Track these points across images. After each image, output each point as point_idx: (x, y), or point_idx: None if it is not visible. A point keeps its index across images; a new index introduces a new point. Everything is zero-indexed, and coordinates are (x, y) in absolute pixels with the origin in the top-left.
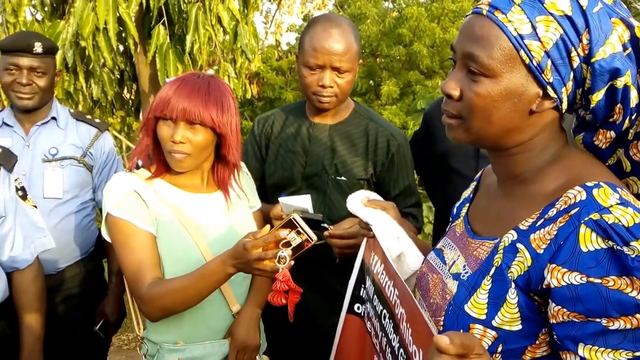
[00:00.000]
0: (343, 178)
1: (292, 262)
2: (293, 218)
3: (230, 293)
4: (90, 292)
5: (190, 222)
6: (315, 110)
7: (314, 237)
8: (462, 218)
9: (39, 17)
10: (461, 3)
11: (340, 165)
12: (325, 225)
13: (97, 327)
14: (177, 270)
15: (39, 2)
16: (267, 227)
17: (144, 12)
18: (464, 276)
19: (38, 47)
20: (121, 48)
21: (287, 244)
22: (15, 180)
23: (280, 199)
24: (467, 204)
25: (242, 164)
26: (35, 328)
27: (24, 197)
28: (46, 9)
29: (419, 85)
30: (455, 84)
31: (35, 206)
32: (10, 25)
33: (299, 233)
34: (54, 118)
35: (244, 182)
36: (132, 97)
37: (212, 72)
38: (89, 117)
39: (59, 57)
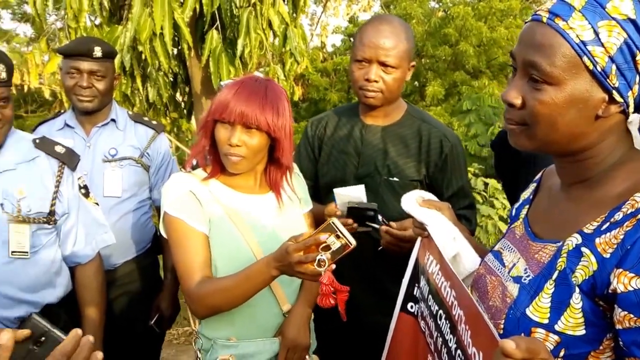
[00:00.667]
0: (395, 179)
1: (334, 265)
2: (332, 222)
3: (281, 292)
4: (146, 288)
5: (243, 222)
6: (367, 110)
7: (353, 242)
8: (521, 220)
9: (96, 22)
10: (509, 2)
11: (392, 166)
12: (380, 218)
13: (152, 322)
14: (229, 269)
15: (98, 8)
16: (308, 231)
17: (197, 17)
18: (525, 279)
19: (98, 52)
20: (175, 52)
21: (327, 248)
22: (79, 178)
23: (335, 190)
24: (527, 206)
25: (295, 166)
26: (95, 320)
27: (87, 194)
28: (104, 14)
29: (465, 86)
30: (517, 92)
31: (97, 203)
32: (72, 30)
33: (338, 237)
34: (113, 120)
35: (296, 183)
36: (184, 99)
37: (260, 74)
38: (146, 118)
39: (117, 61)
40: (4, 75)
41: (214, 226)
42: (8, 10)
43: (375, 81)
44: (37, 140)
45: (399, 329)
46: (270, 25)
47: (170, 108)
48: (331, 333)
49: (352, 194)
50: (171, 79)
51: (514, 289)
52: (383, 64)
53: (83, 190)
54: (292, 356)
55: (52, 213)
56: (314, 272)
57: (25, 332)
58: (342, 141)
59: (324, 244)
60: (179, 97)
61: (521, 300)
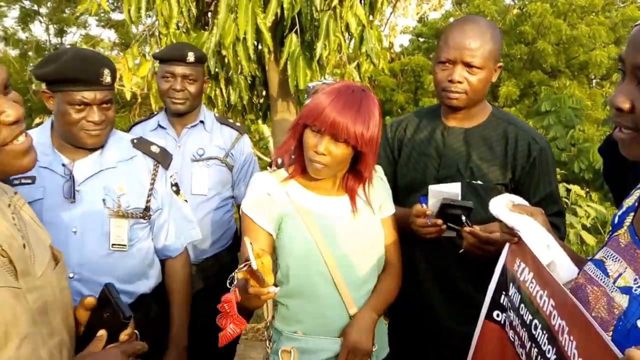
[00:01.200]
0: (479, 182)
1: (271, 289)
2: (245, 241)
3: (349, 295)
4: (223, 269)
5: (313, 223)
6: (449, 112)
7: (255, 266)
8: (626, 228)
9: (184, 28)
10: None
11: (475, 169)
12: (464, 219)
13: None
14: (298, 267)
15: (186, 14)
16: (246, 238)
17: (277, 22)
18: (636, 290)
19: (191, 57)
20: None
21: (244, 267)
22: (171, 176)
23: (430, 187)
24: (632, 213)
25: (379, 169)
26: (182, 309)
27: (177, 192)
28: (191, 20)
29: (543, 86)
30: (625, 96)
31: (186, 200)
32: (163, 36)
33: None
34: (202, 121)
35: (380, 187)
36: (260, 101)
37: (330, 79)
38: (230, 120)
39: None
40: (108, 79)
41: (285, 226)
42: (95, 17)
43: (459, 82)
44: (135, 140)
45: (483, 337)
46: (347, 27)
47: (247, 110)
48: (406, 340)
49: (448, 190)
50: (249, 82)
51: (622, 300)
52: (468, 65)
53: (174, 188)
54: (352, 359)
55: (147, 209)
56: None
57: (92, 300)
58: (422, 143)
59: (244, 263)
60: (255, 99)
61: (632, 311)
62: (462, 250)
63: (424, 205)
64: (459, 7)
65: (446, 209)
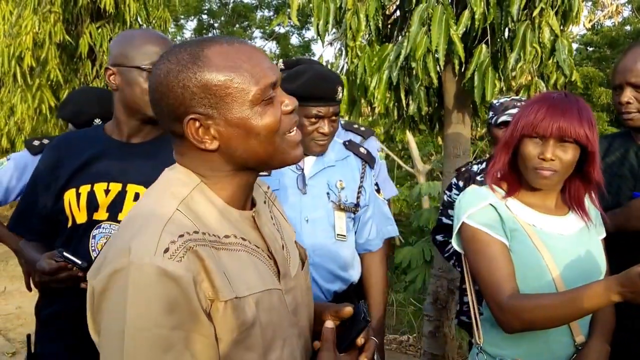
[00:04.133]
0: None
1: None
2: None
3: (576, 323)
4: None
5: (540, 242)
6: (638, 132)
7: None
8: None
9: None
10: None
11: None
12: None
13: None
14: (525, 287)
15: (374, 28)
16: None
17: (466, 32)
18: None
19: (340, 94)
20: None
21: None
22: (373, 176)
23: None
24: None
25: None
26: (382, 302)
27: (378, 190)
28: (375, 33)
29: None
30: None
31: (385, 200)
32: (349, 48)
33: None
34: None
35: (591, 206)
36: (431, 112)
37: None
38: (355, 126)
39: (384, 76)
40: (340, 95)
41: (512, 241)
42: (260, 30)
43: (629, 102)
44: (347, 143)
45: None
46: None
47: (418, 121)
48: None
49: None
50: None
51: None
52: (633, 85)
53: (375, 187)
54: None
55: (357, 204)
56: None
57: (351, 310)
58: (614, 165)
59: None
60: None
61: None
62: None
63: None
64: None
65: None
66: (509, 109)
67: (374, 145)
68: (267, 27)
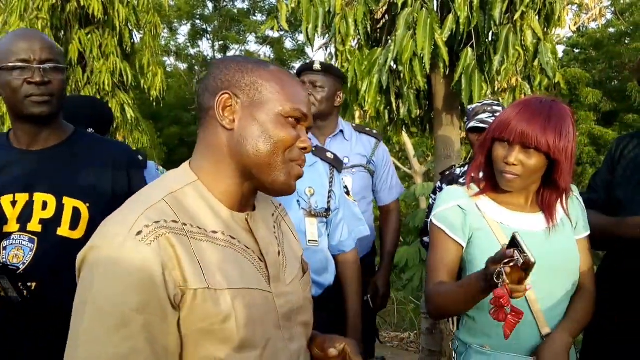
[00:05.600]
0: None
1: (529, 286)
2: (514, 235)
3: (541, 315)
4: (364, 271)
5: (505, 237)
6: None
7: (532, 259)
8: None
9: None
10: None
11: None
12: None
13: (368, 297)
14: None
15: (363, 32)
16: (515, 233)
17: (451, 36)
18: None
19: (317, 65)
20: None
21: (511, 262)
22: (342, 179)
23: None
24: None
25: (574, 188)
26: (357, 299)
27: (348, 193)
28: (365, 37)
29: None
30: None
31: (355, 201)
32: (339, 53)
33: (521, 252)
34: (341, 131)
35: (576, 205)
36: (421, 115)
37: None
38: (367, 128)
39: (374, 80)
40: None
41: (476, 238)
42: (254, 34)
43: None
44: (314, 148)
45: None
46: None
47: (409, 123)
48: None
49: None
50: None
51: None
52: None
53: (345, 189)
54: None
55: (328, 209)
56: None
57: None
58: (638, 157)
59: (509, 258)
60: (417, 112)
61: None
62: None
63: None
64: (622, 17)
65: None
66: (479, 114)
67: (384, 148)
68: (260, 32)
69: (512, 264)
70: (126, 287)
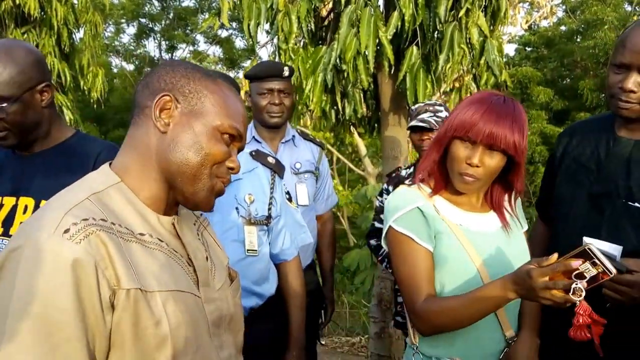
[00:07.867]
0: (637, 205)
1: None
2: (589, 248)
3: (505, 317)
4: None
5: (467, 240)
6: (622, 121)
7: (613, 270)
8: None
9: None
10: None
11: (636, 190)
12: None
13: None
14: (454, 286)
15: (306, 30)
16: (555, 255)
17: (396, 34)
18: None
19: (286, 72)
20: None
21: (580, 275)
22: (296, 186)
23: (585, 239)
24: None
25: None
26: (300, 310)
27: (290, 199)
28: (309, 36)
29: None
30: None
31: (296, 207)
32: (282, 51)
33: (594, 264)
34: (293, 137)
35: (517, 204)
36: (369, 114)
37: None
38: (311, 136)
39: (319, 79)
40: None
41: (439, 243)
42: (202, 34)
43: (632, 91)
44: (253, 153)
45: None
46: (468, 38)
47: (356, 123)
48: None
49: (607, 251)
50: (361, 95)
51: None
52: None
53: (287, 196)
54: None
55: (269, 216)
56: (563, 300)
57: None
58: (584, 154)
59: (576, 271)
60: (365, 112)
61: None
62: (608, 305)
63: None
64: (573, 15)
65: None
66: (421, 114)
67: (325, 158)
68: (209, 31)
69: (585, 279)
70: (54, 291)
